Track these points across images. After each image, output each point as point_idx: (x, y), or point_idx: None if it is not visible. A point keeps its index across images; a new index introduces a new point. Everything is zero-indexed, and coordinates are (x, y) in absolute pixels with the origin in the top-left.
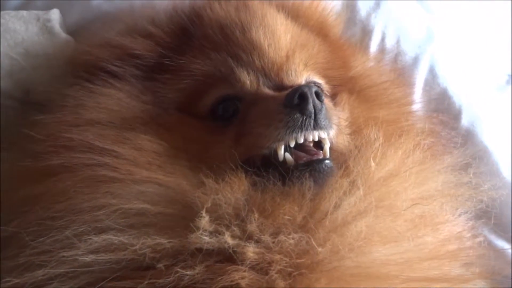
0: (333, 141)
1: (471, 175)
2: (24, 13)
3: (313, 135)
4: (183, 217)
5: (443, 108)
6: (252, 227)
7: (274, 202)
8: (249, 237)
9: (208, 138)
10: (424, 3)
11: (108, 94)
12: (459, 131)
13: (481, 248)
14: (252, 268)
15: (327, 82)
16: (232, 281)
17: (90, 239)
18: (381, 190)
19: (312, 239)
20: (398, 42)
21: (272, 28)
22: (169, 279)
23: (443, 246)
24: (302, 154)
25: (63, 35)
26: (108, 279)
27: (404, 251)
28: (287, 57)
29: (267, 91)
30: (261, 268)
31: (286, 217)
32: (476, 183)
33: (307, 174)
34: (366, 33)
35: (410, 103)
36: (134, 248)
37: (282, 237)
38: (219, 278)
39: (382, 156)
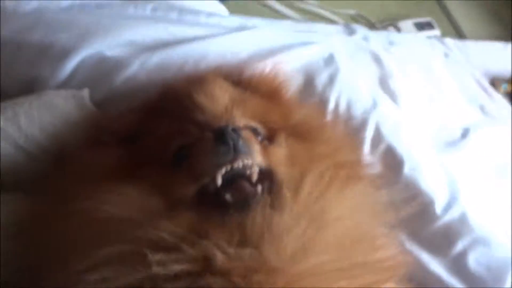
0: (262, 166)
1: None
2: (63, 91)
3: (237, 162)
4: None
5: (388, 159)
6: (196, 251)
7: (214, 228)
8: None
9: (167, 180)
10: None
11: (95, 155)
12: (401, 177)
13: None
14: None
15: (264, 127)
16: None
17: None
18: (311, 208)
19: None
20: (348, 109)
21: (211, 91)
22: None
23: (373, 257)
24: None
25: (93, 108)
26: None
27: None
28: (226, 110)
29: (208, 135)
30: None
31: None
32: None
33: (241, 206)
34: (323, 102)
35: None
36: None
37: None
38: None
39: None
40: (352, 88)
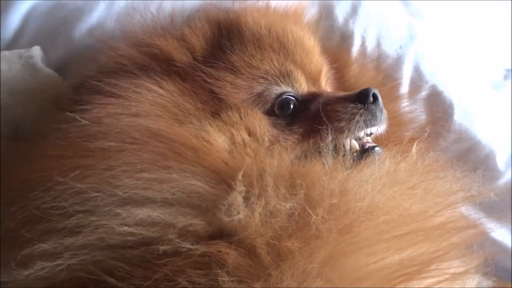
0: None
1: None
2: (6, 53)
3: (378, 128)
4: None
5: (434, 105)
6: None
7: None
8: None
9: (273, 131)
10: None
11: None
12: (452, 125)
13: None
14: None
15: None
16: None
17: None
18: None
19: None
20: (378, 44)
21: (309, 41)
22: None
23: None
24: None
25: (46, 70)
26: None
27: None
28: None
29: (329, 91)
30: None
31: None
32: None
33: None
34: (345, 39)
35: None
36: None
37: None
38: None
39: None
40: (382, 18)
